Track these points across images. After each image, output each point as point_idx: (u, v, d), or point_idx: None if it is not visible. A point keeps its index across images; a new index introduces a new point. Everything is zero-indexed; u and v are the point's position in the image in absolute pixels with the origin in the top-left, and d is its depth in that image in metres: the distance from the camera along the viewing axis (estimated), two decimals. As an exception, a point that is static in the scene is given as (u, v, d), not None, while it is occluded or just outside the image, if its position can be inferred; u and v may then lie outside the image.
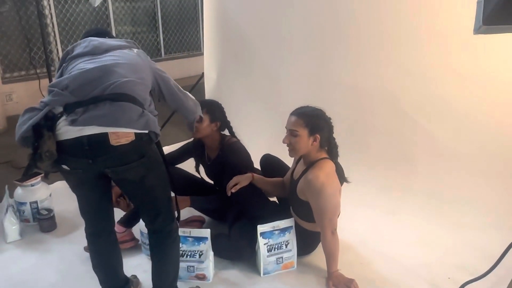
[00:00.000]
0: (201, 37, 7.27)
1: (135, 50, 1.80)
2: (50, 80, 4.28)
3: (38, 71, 5.32)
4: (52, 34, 5.62)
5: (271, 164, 2.65)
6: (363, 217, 2.79)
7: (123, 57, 1.70)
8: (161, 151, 1.76)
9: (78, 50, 1.71)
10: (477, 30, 1.16)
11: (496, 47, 2.68)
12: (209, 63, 4.40)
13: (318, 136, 2.13)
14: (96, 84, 1.56)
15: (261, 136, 3.46)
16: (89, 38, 1.77)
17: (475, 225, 2.61)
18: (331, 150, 2.23)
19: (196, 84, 4.72)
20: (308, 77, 3.56)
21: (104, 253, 1.91)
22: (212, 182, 2.82)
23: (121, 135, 1.53)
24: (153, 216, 1.79)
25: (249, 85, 4.00)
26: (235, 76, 4.11)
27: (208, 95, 4.35)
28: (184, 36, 7.49)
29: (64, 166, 1.60)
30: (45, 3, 5.47)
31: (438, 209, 2.80)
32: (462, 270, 2.22)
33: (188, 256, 2.20)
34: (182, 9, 7.41)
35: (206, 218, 2.74)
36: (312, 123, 2.13)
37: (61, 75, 1.66)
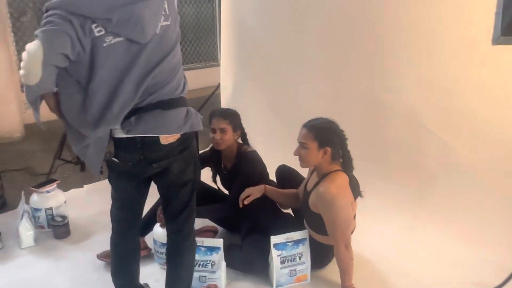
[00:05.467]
0: (218, 48, 7.31)
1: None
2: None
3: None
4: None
5: (286, 175, 2.62)
6: (380, 232, 2.73)
7: (157, 44, 1.60)
8: (197, 146, 1.86)
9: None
10: (496, 41, 1.13)
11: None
12: (226, 73, 4.42)
13: (328, 149, 2.11)
14: (144, 95, 1.62)
15: (276, 147, 3.43)
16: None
17: (495, 242, 2.54)
18: (345, 162, 2.20)
19: (212, 94, 4.75)
20: (325, 88, 3.53)
21: (125, 255, 1.93)
22: (227, 192, 2.80)
23: (171, 136, 1.69)
24: (178, 211, 1.84)
25: (265, 96, 4.00)
26: (251, 87, 4.11)
27: (224, 105, 4.36)
28: (201, 47, 7.54)
29: (114, 159, 1.72)
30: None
31: (457, 225, 2.72)
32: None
33: (200, 266, 2.18)
34: (200, 20, 7.46)
35: (220, 228, 2.72)
36: (322, 136, 2.11)
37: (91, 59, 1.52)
